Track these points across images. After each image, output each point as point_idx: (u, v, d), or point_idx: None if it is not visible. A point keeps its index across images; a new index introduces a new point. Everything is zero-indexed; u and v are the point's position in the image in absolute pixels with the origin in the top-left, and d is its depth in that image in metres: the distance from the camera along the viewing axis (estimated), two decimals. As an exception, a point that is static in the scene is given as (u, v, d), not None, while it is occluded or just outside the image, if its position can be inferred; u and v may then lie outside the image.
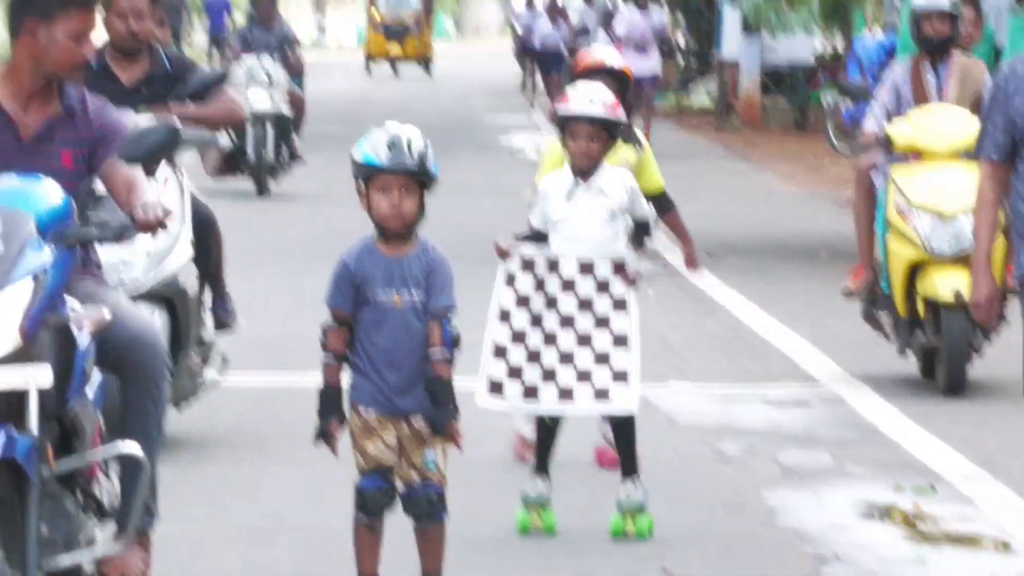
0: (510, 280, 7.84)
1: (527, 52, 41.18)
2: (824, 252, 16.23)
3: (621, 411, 7.81)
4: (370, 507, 6.58)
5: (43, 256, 5.61)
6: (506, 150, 30.07)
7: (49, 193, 5.82)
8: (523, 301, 7.81)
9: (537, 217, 8.14)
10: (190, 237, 9.10)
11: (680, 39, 38.31)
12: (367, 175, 6.57)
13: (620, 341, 7.79)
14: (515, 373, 7.71)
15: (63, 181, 5.99)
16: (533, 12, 41.74)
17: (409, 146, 6.62)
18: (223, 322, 10.19)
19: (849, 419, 10.72)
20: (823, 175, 26.78)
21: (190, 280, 9.20)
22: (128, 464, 5.98)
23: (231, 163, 18.77)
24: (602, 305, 7.81)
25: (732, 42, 32.17)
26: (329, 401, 6.57)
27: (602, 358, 7.77)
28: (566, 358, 7.79)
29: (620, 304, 7.80)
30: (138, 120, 7.98)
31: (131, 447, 5.82)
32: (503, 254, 7.87)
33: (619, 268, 7.82)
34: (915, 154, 10.13)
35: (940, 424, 10.43)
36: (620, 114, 8.14)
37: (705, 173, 25.16)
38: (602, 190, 8.14)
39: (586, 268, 7.78)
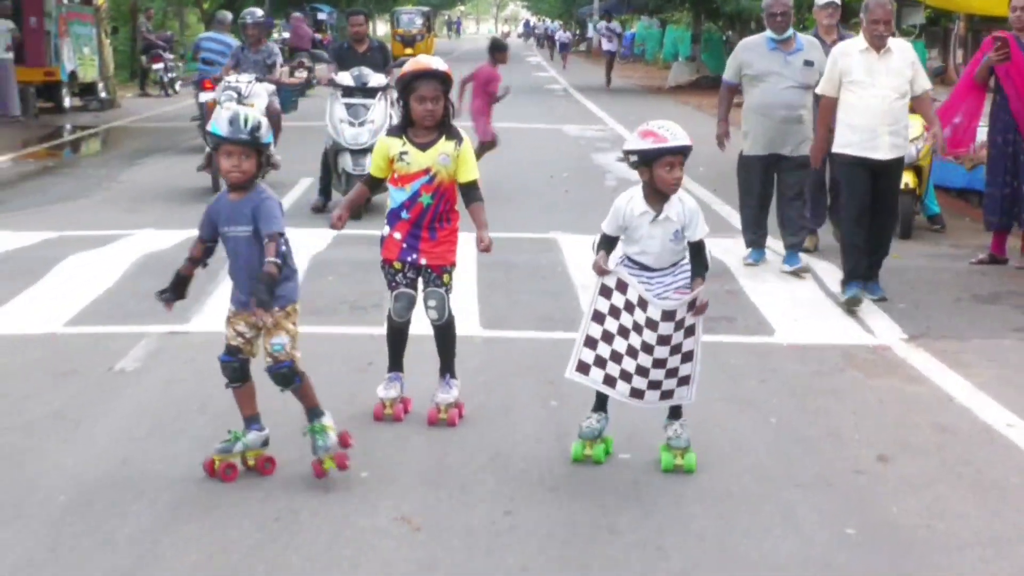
0: (606, 292, 6.80)
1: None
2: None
3: (681, 402, 6.96)
4: (226, 375, 6.54)
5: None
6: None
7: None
8: (614, 312, 6.78)
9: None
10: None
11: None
12: (215, 144, 6.19)
13: (687, 357, 6.86)
14: (599, 363, 6.84)
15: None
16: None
17: (245, 121, 6.13)
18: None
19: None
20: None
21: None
22: None
23: (211, 161, 15.85)
24: (677, 338, 6.77)
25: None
26: (179, 279, 6.42)
27: (672, 372, 6.87)
28: (641, 371, 6.79)
29: (690, 331, 6.80)
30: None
31: None
32: (602, 272, 6.74)
33: (691, 306, 6.73)
34: None
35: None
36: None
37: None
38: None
39: (668, 316, 6.73)
